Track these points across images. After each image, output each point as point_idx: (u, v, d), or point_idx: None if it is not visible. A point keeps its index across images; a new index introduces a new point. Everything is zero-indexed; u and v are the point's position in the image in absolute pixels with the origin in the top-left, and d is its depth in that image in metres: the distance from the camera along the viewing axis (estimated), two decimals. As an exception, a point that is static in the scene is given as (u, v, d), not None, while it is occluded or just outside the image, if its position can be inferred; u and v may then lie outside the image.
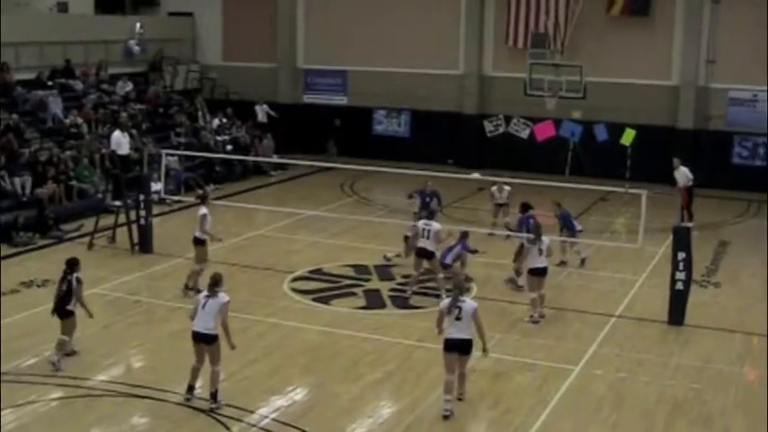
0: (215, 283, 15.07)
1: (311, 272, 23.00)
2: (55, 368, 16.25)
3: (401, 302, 20.86)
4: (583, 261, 23.76)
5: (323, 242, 25.66)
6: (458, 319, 14.94)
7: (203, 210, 20.96)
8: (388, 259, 23.72)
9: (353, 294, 21.39)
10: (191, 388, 15.16)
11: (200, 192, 21.14)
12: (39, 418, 14.50)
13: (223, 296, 14.98)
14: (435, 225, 21.10)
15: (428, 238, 20.82)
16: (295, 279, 22.41)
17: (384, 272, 23.15)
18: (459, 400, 15.34)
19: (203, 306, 14.88)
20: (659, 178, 30.92)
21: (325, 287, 21.83)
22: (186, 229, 26.71)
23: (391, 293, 21.42)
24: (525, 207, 22.64)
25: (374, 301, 21.02)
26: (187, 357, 17.06)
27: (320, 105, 40.75)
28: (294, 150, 36.93)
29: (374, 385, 16.25)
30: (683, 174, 28.80)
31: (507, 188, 26.63)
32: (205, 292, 15.16)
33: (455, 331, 14.98)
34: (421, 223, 21.26)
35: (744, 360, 18.05)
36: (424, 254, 20.89)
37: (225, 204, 27.10)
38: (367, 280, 22.52)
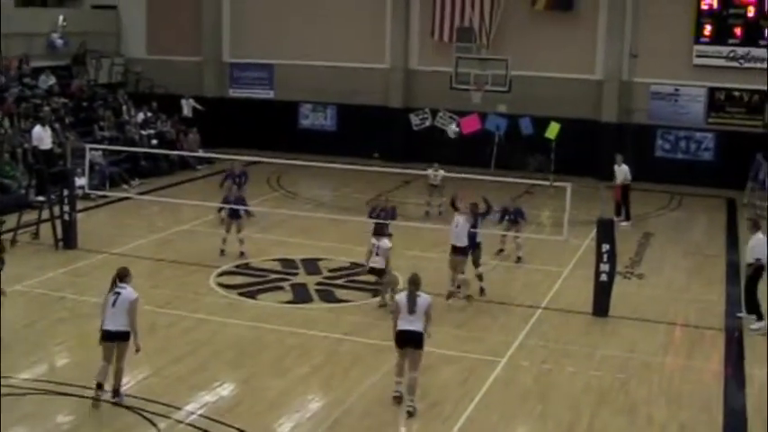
0: (120, 278, 14.69)
1: (238, 266, 22.89)
2: None
3: (328, 296, 20.89)
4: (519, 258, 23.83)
5: (249, 236, 25.44)
6: (411, 312, 14.83)
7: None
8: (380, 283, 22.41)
9: (280, 289, 21.34)
10: (100, 386, 14.65)
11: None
12: (-40, 417, 14.23)
13: (131, 291, 14.61)
14: None
15: None
16: (221, 274, 22.30)
17: (311, 266, 23.13)
18: (409, 414, 14.75)
19: (113, 304, 14.50)
20: (584, 171, 31.33)
21: (252, 281, 21.76)
22: (110, 224, 26.58)
23: (318, 287, 21.42)
24: None
25: (301, 295, 20.99)
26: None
27: (246, 99, 40.63)
28: (220, 144, 36.70)
29: (302, 379, 16.22)
30: (623, 171, 29.09)
31: (441, 172, 27.70)
32: (113, 290, 14.68)
33: (406, 323, 14.85)
34: None
35: (667, 350, 18.36)
36: None
37: (150, 199, 26.86)
38: (294, 274, 22.48)
